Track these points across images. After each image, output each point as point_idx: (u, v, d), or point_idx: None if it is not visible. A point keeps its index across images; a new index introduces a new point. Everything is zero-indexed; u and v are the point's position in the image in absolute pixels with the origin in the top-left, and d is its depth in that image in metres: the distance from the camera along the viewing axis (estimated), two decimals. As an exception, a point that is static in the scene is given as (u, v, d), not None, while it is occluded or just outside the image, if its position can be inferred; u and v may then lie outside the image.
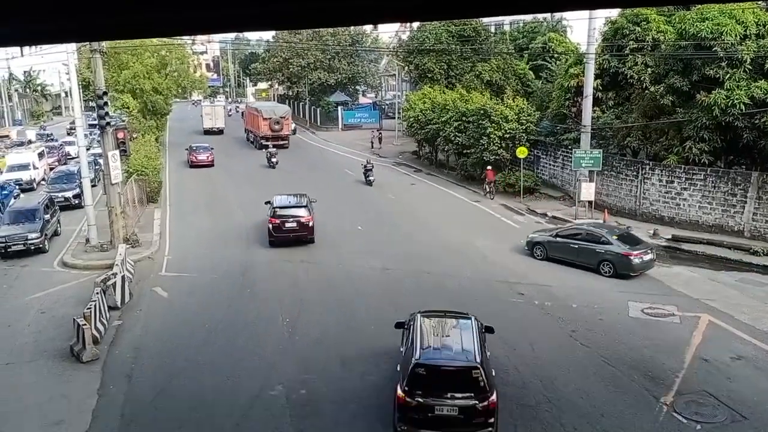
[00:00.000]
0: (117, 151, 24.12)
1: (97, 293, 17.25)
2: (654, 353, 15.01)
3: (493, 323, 16.72)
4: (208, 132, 58.54)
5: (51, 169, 38.81)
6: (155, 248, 24.46)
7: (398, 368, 12.34)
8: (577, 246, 21.58)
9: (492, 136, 32.49)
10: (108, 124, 23.42)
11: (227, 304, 18.81)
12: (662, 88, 25.89)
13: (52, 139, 52.40)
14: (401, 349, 13.30)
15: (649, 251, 20.99)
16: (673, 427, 12.02)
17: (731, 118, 23.27)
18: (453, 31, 47.83)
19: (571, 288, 19.46)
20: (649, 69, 27.87)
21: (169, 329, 17.16)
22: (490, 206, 30.75)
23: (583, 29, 31.62)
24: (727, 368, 14.20)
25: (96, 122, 28.38)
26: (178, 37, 44.73)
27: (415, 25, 53.26)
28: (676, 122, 25.61)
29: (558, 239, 22.14)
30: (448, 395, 11.22)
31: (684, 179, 25.44)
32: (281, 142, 48.31)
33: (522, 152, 31.39)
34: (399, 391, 11.38)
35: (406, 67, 55.80)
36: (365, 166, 35.49)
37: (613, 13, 31.64)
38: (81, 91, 38.85)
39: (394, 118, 56.89)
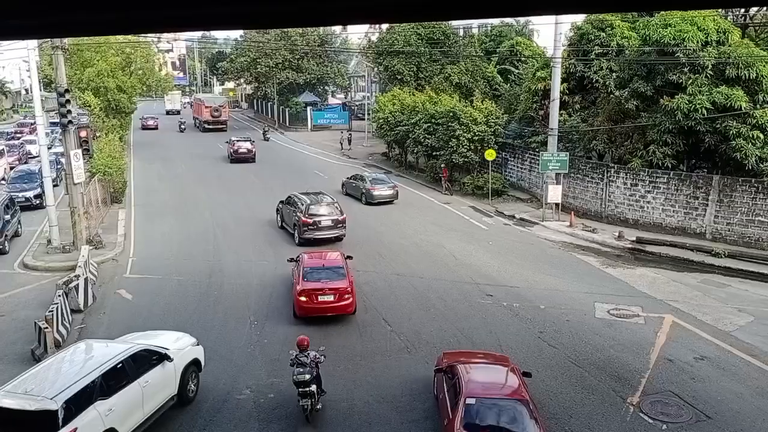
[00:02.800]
0: (79, 151, 23.58)
1: (60, 296, 16.81)
2: (620, 354, 15.25)
3: (462, 324, 16.96)
4: (169, 112, 75.22)
5: (11, 168, 37.75)
6: (119, 249, 23.97)
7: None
8: (354, 184, 32.73)
9: (461, 138, 32.72)
10: (70, 122, 22.85)
11: (194, 306, 18.52)
12: (627, 93, 26.37)
13: (12, 138, 51.04)
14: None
15: (388, 189, 31.54)
16: (639, 428, 12.21)
17: (693, 123, 23.81)
18: (422, 33, 48.10)
19: (539, 289, 19.66)
20: (614, 74, 28.39)
21: (135, 331, 16.77)
22: (459, 208, 30.92)
23: (549, 34, 32.06)
24: (691, 368, 14.49)
25: (58, 120, 27.66)
26: (143, 35, 43.89)
27: (385, 26, 53.36)
28: (640, 126, 26.12)
29: (349, 180, 33.59)
30: None
31: (648, 182, 25.94)
32: (219, 126, 60.54)
33: (490, 155, 31.65)
34: None
35: (376, 69, 55.90)
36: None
37: (579, 18, 32.18)
38: (42, 88, 37.91)
39: (364, 119, 56.88)
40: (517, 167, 34.77)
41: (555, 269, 21.90)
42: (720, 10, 26.48)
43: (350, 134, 52.15)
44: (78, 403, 9.93)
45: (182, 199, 32.96)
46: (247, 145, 44.07)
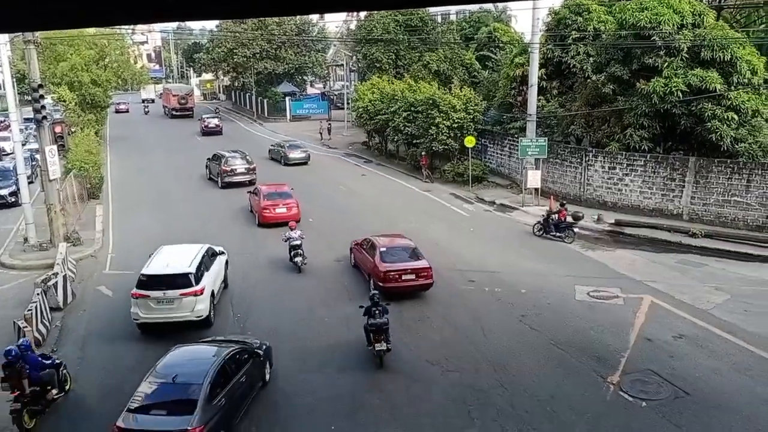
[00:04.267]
0: (54, 146, 23.24)
1: (38, 294, 16.63)
2: (600, 334, 15.46)
3: (446, 311, 17.09)
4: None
5: (-16, 165, 37.09)
6: (98, 246, 23.72)
7: None
8: (277, 150, 39.87)
9: (440, 125, 32.75)
10: (44, 118, 22.50)
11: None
12: (604, 77, 26.56)
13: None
14: None
15: (302, 153, 39.11)
16: (620, 406, 12.42)
17: (669, 106, 24.07)
18: (400, 20, 47.93)
19: (520, 274, 19.83)
20: (591, 58, 28.55)
21: (115, 329, 16.65)
22: (440, 196, 31.01)
23: (527, 19, 32.19)
24: (670, 347, 14.74)
25: (32, 116, 27.22)
26: (116, 27, 43.29)
27: (363, 14, 53.12)
28: (617, 110, 26.34)
29: (272, 147, 41.05)
30: None
31: (625, 165, 26.19)
32: (186, 113, 65.58)
33: (470, 141, 31.72)
34: None
35: (354, 57, 55.68)
36: None
37: (557, 3, 32.28)
38: (15, 84, 37.25)
39: (343, 108, 56.66)
40: (497, 153, 34.91)
41: (536, 253, 22.10)
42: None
43: (330, 124, 51.94)
44: (200, 272, 16.45)
45: (159, 192, 32.65)
46: (215, 121, 54.79)
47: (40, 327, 15.78)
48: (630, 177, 26.12)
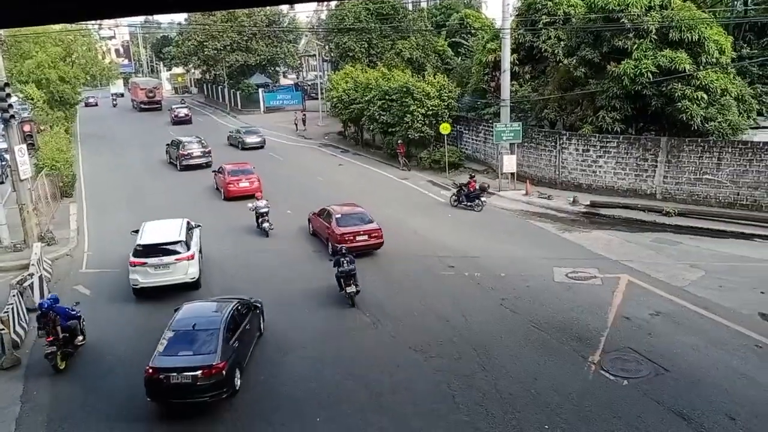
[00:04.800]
0: (24, 145, 22.75)
1: (14, 296, 16.33)
2: (579, 315, 15.68)
3: (427, 297, 17.18)
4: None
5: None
6: (73, 245, 23.39)
7: None
8: (234, 136, 43.34)
9: (415, 113, 32.77)
10: (12, 117, 22.01)
11: (155, 297, 18.23)
12: (575, 61, 26.78)
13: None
14: None
15: (257, 137, 42.01)
16: (601, 384, 12.63)
17: (640, 87, 24.36)
18: (372, 9, 47.69)
19: (499, 258, 20.00)
20: (561, 42, 28.77)
21: (95, 328, 16.43)
22: (418, 183, 31.07)
23: (497, 5, 32.19)
24: (648, 324, 15.01)
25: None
26: (82, 23, 42.46)
27: (333, 4, 52.74)
28: (589, 93, 26.58)
29: (230, 134, 44.43)
30: None
31: (599, 147, 26.48)
32: (155, 106, 66.72)
33: (445, 128, 31.80)
34: None
35: (327, 47, 55.32)
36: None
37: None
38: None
39: (318, 98, 56.35)
40: (473, 139, 35.05)
41: (513, 237, 22.30)
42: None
43: (304, 114, 51.63)
44: (189, 240, 18.72)
45: (133, 187, 32.25)
46: (185, 110, 57.45)
47: (18, 329, 15.52)
48: (604, 159, 26.43)
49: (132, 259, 18.06)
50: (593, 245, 20.99)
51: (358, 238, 20.05)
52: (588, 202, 25.07)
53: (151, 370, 12.18)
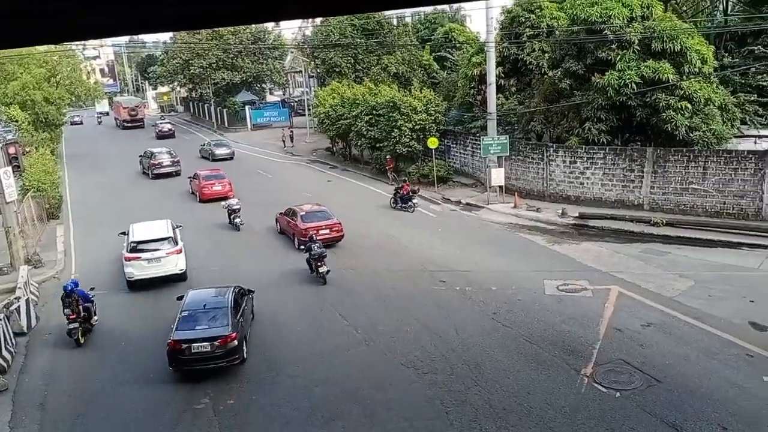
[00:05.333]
0: (9, 168, 22.60)
1: (1, 319, 16.10)
2: (571, 327, 15.67)
3: (418, 312, 17.12)
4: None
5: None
6: (60, 267, 23.13)
7: None
8: (206, 149, 46.20)
9: (403, 128, 32.87)
10: (-4, 139, 21.86)
11: (143, 319, 18.05)
12: (560, 73, 26.99)
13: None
14: None
15: (226, 149, 45.40)
16: (594, 397, 12.59)
17: (624, 98, 24.57)
18: (357, 25, 47.95)
19: (490, 272, 19.99)
20: (546, 55, 29.01)
21: (83, 351, 16.26)
22: (406, 197, 31.02)
23: (481, 19, 32.43)
24: (639, 336, 15.02)
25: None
26: (66, 43, 42.35)
27: (318, 20, 52.97)
28: (575, 105, 26.78)
29: (201, 146, 47.27)
30: None
31: (586, 159, 26.65)
32: (137, 124, 69.62)
33: (433, 143, 31.91)
34: None
35: (312, 63, 55.46)
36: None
37: (509, 1, 32.69)
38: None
39: (305, 115, 56.40)
40: (460, 153, 35.17)
41: (503, 250, 22.32)
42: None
43: (292, 131, 51.67)
44: (176, 237, 21.23)
45: (120, 207, 31.97)
46: (168, 126, 61.37)
47: (4, 353, 15.29)
48: (591, 170, 26.59)
49: (127, 254, 20.25)
50: (583, 257, 21.04)
51: (321, 231, 22.43)
52: (577, 214, 25.17)
53: (173, 342, 14.16)
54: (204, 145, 47.88)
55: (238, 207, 26.62)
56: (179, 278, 20.44)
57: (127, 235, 21.22)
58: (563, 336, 15.22)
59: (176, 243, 20.85)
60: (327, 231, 22.89)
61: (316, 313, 17.63)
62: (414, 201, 28.32)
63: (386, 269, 20.82)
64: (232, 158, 44.49)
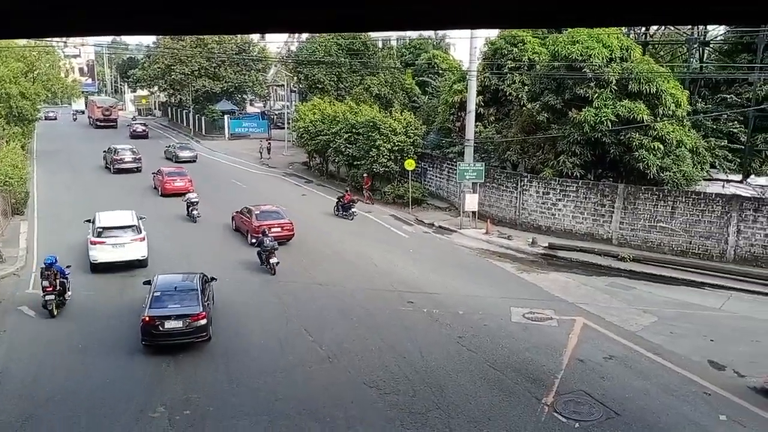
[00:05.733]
0: (-23, 159, 22.07)
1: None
2: (535, 356, 15.74)
3: (384, 332, 17.05)
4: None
5: None
6: (21, 264, 22.57)
7: None
8: (170, 150, 47.30)
9: (381, 148, 33.00)
10: (-34, 129, 21.38)
11: (105, 322, 17.67)
12: (538, 106, 27.43)
13: None
14: None
15: (190, 152, 46.76)
16: (554, 427, 12.64)
17: (600, 135, 25.06)
18: (342, 44, 48.27)
19: (458, 296, 20.04)
20: (526, 87, 29.52)
21: (37, 351, 15.83)
22: (380, 217, 31.10)
23: (465, 48, 33.00)
24: (601, 368, 15.15)
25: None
26: (48, 39, 41.80)
27: (304, 36, 53.22)
28: (551, 137, 27.21)
29: (166, 148, 48.49)
30: None
31: (558, 191, 27.02)
32: (110, 124, 69.52)
33: (410, 164, 32.08)
34: None
35: (296, 78, 55.56)
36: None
37: (493, 33, 33.28)
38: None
39: (284, 128, 56.31)
40: (436, 177, 35.41)
41: (473, 275, 22.41)
42: (623, 28, 28.10)
43: (270, 143, 51.46)
44: (140, 225, 22.69)
45: (87, 203, 31.36)
46: (142, 126, 62.46)
47: (-45, 350, 14.82)
48: (563, 202, 26.95)
49: (93, 238, 21.66)
50: (550, 287, 21.23)
51: (273, 229, 23.72)
52: (546, 244, 25.44)
53: (147, 318, 15.43)
54: (169, 147, 49.21)
55: (196, 200, 28.93)
56: (140, 264, 21.80)
57: (93, 222, 22.52)
58: (527, 364, 15.28)
59: (140, 231, 22.27)
60: (279, 229, 24.54)
61: (281, 326, 17.44)
62: (353, 210, 30.31)
63: (356, 287, 20.74)
64: (195, 161, 45.60)
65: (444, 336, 17.01)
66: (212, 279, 18.35)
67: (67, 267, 18.76)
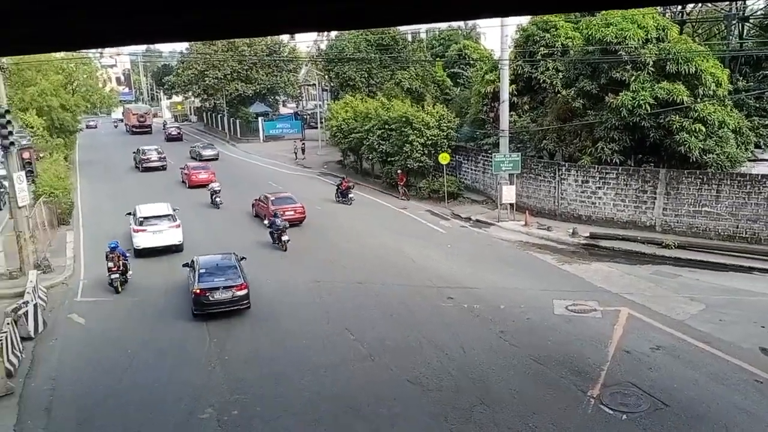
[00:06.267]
0: (23, 173, 22.77)
1: (8, 324, 16.15)
2: (579, 348, 15.50)
3: (425, 328, 17.01)
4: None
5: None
6: (69, 273, 23.22)
7: None
8: (196, 150, 51.13)
9: (414, 143, 32.90)
10: (12, 144, 22.07)
11: (150, 326, 18.07)
12: (573, 92, 26.96)
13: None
14: None
15: (212, 151, 50.95)
16: (600, 419, 12.43)
17: (638, 119, 24.49)
18: (371, 40, 48.24)
19: (498, 289, 19.87)
20: (560, 74, 29.03)
21: (88, 357, 16.28)
22: (416, 212, 31.05)
23: (495, 36, 32.66)
24: (648, 358, 14.84)
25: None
26: (84, 50, 42.88)
27: (333, 34, 53.36)
28: (588, 124, 26.72)
29: (191, 148, 52.65)
30: None
31: (598, 178, 26.53)
32: (145, 129, 73.23)
33: (444, 158, 31.91)
34: None
35: (326, 76, 55.78)
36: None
37: (524, 20, 32.79)
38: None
39: (317, 127, 56.67)
40: (471, 169, 35.15)
41: (513, 269, 22.19)
42: (658, 7, 27.36)
43: (303, 143, 51.86)
44: (174, 215, 25.69)
45: (128, 206, 32.10)
46: (177, 130, 67.68)
47: (11, 357, 15.31)
48: (603, 190, 26.46)
49: (135, 227, 24.61)
50: (593, 277, 20.88)
51: (286, 213, 27.52)
52: (587, 234, 25.02)
53: (198, 291, 17.92)
54: (194, 146, 53.38)
55: (219, 189, 33.21)
56: (176, 249, 24.57)
57: (134, 214, 25.43)
58: (571, 356, 15.06)
59: (175, 219, 25.08)
60: (292, 212, 28.22)
61: (322, 328, 17.57)
62: (350, 195, 33.36)
63: (395, 284, 20.74)
64: (216, 159, 49.66)
65: (486, 331, 16.89)
66: (242, 258, 20.22)
67: (127, 251, 22.06)
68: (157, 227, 24.50)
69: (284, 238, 24.44)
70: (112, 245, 20.65)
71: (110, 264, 20.43)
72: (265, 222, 26.86)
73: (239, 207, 32.27)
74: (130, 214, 26.09)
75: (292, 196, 29.88)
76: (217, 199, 32.68)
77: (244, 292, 18.21)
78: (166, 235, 24.55)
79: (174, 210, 26.17)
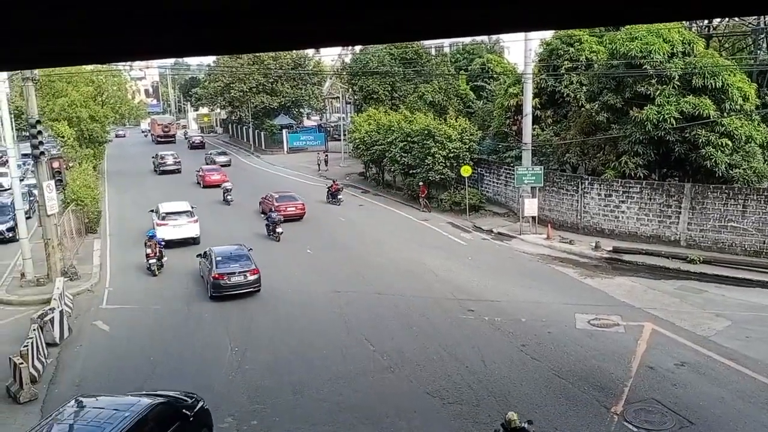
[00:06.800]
0: (52, 182, 23.26)
1: (35, 330, 16.45)
2: (602, 363, 15.32)
3: (445, 340, 16.97)
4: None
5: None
6: (95, 280, 23.60)
7: None
8: (210, 156, 55.00)
9: (437, 155, 32.94)
10: (42, 153, 22.58)
11: (172, 335, 18.28)
12: (597, 106, 26.79)
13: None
14: None
15: (225, 157, 54.75)
16: (623, 436, 12.26)
17: (663, 133, 24.24)
18: (395, 53, 48.52)
19: (520, 302, 19.74)
20: (584, 87, 28.87)
21: (112, 364, 16.52)
22: (438, 225, 31.03)
23: (519, 50, 32.59)
24: (672, 375, 14.61)
25: (30, 152, 27.29)
26: (113, 63, 43.75)
27: (357, 48, 53.77)
28: (612, 138, 26.51)
29: (206, 155, 56.07)
30: None
31: (621, 192, 26.28)
32: (170, 139, 76.25)
33: (466, 171, 31.88)
34: None
35: (350, 89, 56.15)
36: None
37: (548, 34, 32.76)
38: (13, 120, 37.49)
39: (340, 139, 56.98)
40: (493, 182, 35.06)
41: (534, 282, 22.03)
42: (684, 22, 27.15)
43: (327, 155, 52.19)
44: (193, 211, 29.18)
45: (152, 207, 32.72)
46: (199, 138, 74.02)
47: (36, 363, 15.59)
48: (626, 204, 26.19)
49: (158, 222, 27.37)
50: (616, 292, 20.65)
51: (288, 209, 31.28)
52: (611, 248, 24.76)
53: (217, 275, 20.34)
54: (209, 153, 57.59)
55: (230, 188, 37.64)
56: (194, 241, 27.29)
57: (156, 211, 28.29)
58: (593, 372, 14.89)
59: (193, 215, 28.01)
60: (293, 209, 31.78)
61: (342, 338, 17.60)
62: (340, 197, 36.46)
63: (415, 295, 20.73)
64: (229, 165, 52.86)
65: (506, 344, 16.77)
66: (250, 249, 22.45)
67: (163, 240, 24.57)
68: (176, 221, 27.44)
69: (278, 230, 27.52)
70: (150, 234, 23.83)
71: (148, 251, 23.19)
72: (262, 215, 30.47)
73: (250, 205, 35.60)
74: (152, 211, 28.74)
75: (294, 194, 33.77)
76: (228, 197, 36.75)
77: (255, 276, 20.63)
78: (185, 228, 27.43)
79: (192, 207, 28.84)
